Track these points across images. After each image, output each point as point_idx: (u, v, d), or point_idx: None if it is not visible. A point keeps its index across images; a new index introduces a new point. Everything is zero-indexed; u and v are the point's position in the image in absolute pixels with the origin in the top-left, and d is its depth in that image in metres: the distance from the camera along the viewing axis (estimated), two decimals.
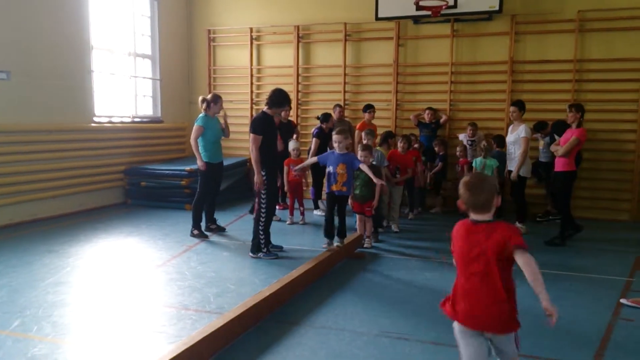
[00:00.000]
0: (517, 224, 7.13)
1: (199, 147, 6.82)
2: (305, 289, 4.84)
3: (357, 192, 6.37)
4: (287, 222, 7.81)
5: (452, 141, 9.15)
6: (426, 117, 8.91)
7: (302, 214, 7.91)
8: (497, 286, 2.56)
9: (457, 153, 8.52)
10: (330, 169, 5.76)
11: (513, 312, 2.70)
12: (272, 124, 5.98)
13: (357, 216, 6.54)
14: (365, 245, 6.44)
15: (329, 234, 5.84)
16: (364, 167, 5.73)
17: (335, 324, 4.12)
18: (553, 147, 6.77)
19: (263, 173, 5.74)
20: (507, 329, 2.66)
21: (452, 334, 3.88)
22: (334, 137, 5.83)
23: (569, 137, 6.53)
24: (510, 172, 7.19)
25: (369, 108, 8.74)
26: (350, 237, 6.22)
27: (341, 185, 5.72)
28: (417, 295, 4.85)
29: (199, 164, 6.81)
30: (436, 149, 8.70)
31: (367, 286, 5.10)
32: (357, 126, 8.57)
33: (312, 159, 6.20)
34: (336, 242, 5.83)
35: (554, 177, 6.88)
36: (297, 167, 6.34)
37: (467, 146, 8.51)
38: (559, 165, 6.62)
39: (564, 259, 6.12)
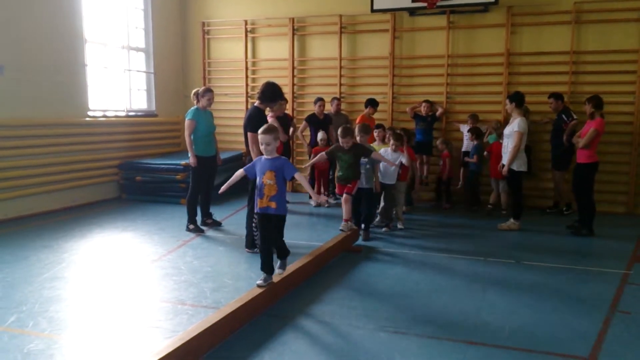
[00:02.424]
0: (512, 220, 7.12)
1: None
2: (302, 284, 4.83)
3: (340, 174, 6.27)
4: (313, 205, 8.43)
5: (449, 134, 9.15)
6: (422, 109, 8.88)
7: (327, 197, 8.42)
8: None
9: (439, 146, 8.55)
10: (257, 180, 4.40)
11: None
12: (265, 118, 5.94)
13: (343, 198, 6.36)
14: (341, 228, 6.26)
15: (267, 267, 4.37)
16: (299, 178, 4.43)
17: (332, 319, 4.11)
18: (574, 139, 6.91)
19: None
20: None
21: (449, 328, 3.91)
22: (260, 137, 4.38)
23: (588, 129, 6.64)
24: (503, 165, 7.08)
25: (371, 103, 8.73)
26: (344, 233, 6.18)
27: (268, 200, 4.32)
28: (414, 289, 4.84)
29: (191, 160, 6.76)
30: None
31: (364, 281, 5.09)
32: (357, 120, 8.53)
33: (238, 172, 4.52)
34: (274, 274, 4.45)
35: (575, 168, 6.95)
36: (222, 189, 4.62)
37: (468, 135, 8.51)
38: (581, 157, 6.74)
39: (561, 253, 6.13)
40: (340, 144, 6.21)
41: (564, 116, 7.83)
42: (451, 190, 8.71)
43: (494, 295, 4.68)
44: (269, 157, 4.37)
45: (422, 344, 3.68)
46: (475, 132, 8.32)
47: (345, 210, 6.32)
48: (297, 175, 4.40)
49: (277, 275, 4.50)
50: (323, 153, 6.40)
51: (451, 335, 3.83)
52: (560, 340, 3.76)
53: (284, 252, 4.63)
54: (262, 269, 4.37)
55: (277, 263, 4.58)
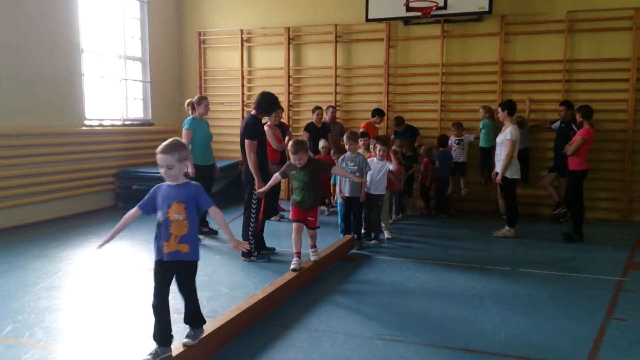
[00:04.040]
0: (507, 228, 7.15)
1: None
2: (298, 292, 4.83)
3: (295, 196, 5.17)
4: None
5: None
6: (396, 128, 8.90)
7: (328, 206, 8.64)
8: None
9: (421, 154, 8.62)
10: (159, 215, 3.22)
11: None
12: (262, 126, 5.98)
13: (294, 226, 5.15)
14: (293, 267, 4.96)
15: (161, 337, 3.23)
16: (214, 213, 3.36)
17: (329, 327, 4.11)
18: (566, 147, 7.04)
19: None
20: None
21: (445, 336, 3.91)
22: (158, 157, 3.18)
23: (577, 137, 6.85)
24: (497, 173, 7.04)
25: (378, 113, 8.80)
26: (340, 240, 6.16)
27: (177, 243, 3.20)
28: (410, 296, 4.85)
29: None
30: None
31: (360, 288, 5.10)
32: (362, 126, 8.55)
33: (126, 216, 3.42)
34: (185, 342, 3.35)
35: (567, 174, 7.14)
36: (105, 241, 3.67)
37: (454, 146, 8.60)
38: (571, 164, 6.93)
39: (556, 259, 6.16)
40: (292, 161, 5.10)
41: (573, 126, 7.82)
42: (430, 196, 8.86)
43: (490, 302, 4.69)
44: (174, 183, 3.20)
45: (419, 352, 3.68)
46: (439, 141, 8.55)
47: (311, 241, 5.25)
48: (211, 210, 3.30)
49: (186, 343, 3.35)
50: (277, 174, 5.24)
51: (448, 342, 3.84)
52: (556, 347, 3.78)
53: (197, 317, 3.39)
54: (155, 337, 3.21)
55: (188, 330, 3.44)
